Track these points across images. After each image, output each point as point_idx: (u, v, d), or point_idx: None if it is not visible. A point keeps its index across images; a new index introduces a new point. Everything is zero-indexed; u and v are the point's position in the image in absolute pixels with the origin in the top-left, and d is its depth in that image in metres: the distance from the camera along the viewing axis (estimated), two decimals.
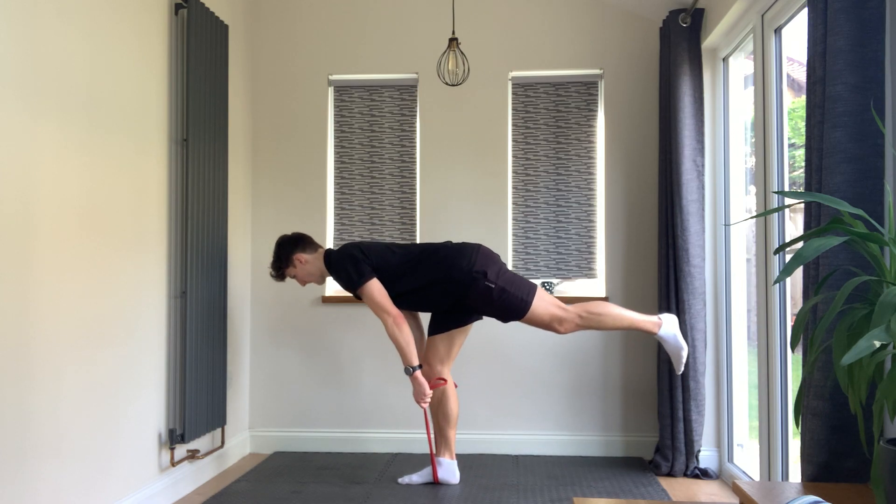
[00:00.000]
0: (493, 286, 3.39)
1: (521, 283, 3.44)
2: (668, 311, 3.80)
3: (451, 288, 3.43)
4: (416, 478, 3.64)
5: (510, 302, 3.39)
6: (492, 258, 3.48)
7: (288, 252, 3.62)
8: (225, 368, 3.80)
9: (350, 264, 3.45)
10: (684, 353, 3.42)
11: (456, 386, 3.69)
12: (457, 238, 4.28)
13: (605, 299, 4.24)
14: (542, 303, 3.42)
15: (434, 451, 3.66)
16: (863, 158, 2.13)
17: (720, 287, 3.84)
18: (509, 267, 4.32)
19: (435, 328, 3.60)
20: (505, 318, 3.47)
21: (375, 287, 3.43)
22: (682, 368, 3.48)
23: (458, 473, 3.64)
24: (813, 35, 2.34)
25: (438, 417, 3.61)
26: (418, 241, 4.35)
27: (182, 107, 3.46)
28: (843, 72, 2.16)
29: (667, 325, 3.43)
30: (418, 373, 3.43)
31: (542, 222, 4.35)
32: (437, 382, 3.55)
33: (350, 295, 4.37)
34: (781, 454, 3.00)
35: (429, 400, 3.47)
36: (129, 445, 3.08)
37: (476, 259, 3.44)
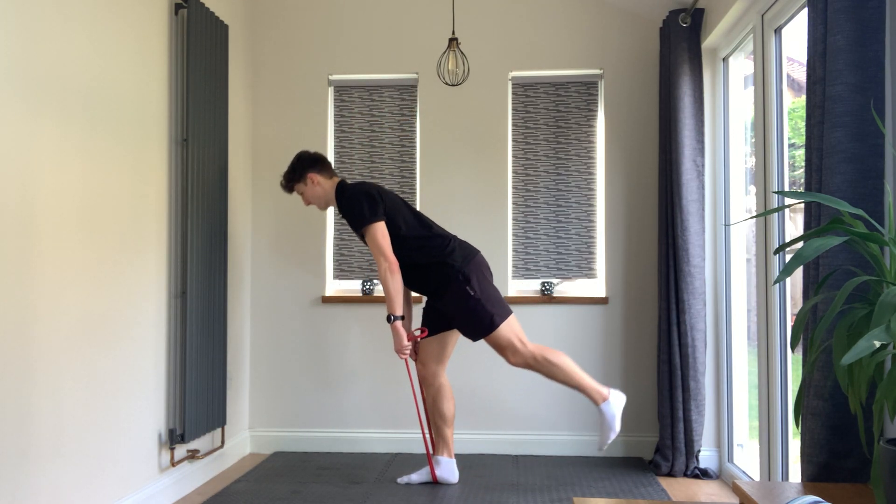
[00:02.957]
0: (472, 293, 3.41)
1: (497, 302, 3.45)
2: (668, 311, 3.81)
3: (436, 275, 3.45)
4: (415, 477, 3.64)
5: (479, 315, 3.41)
6: (482, 269, 3.50)
7: (304, 168, 3.60)
8: (225, 368, 3.80)
9: (366, 200, 3.45)
10: (613, 435, 3.44)
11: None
12: None
13: (605, 300, 4.24)
14: (508, 329, 3.43)
15: (431, 451, 3.67)
16: (863, 158, 2.13)
17: (720, 287, 3.84)
18: (509, 268, 4.32)
19: (428, 329, 3.61)
20: (470, 330, 3.47)
21: (381, 230, 3.43)
22: (605, 448, 3.51)
23: (456, 472, 3.64)
24: (813, 35, 2.34)
25: (435, 417, 3.61)
26: None
27: (182, 107, 3.46)
28: (843, 72, 2.16)
29: (613, 402, 3.44)
30: (398, 323, 3.42)
31: (542, 222, 4.35)
32: (414, 334, 3.54)
33: (350, 295, 4.38)
34: (781, 454, 3.00)
35: (407, 352, 3.46)
36: (129, 445, 3.08)
37: (470, 262, 3.46)
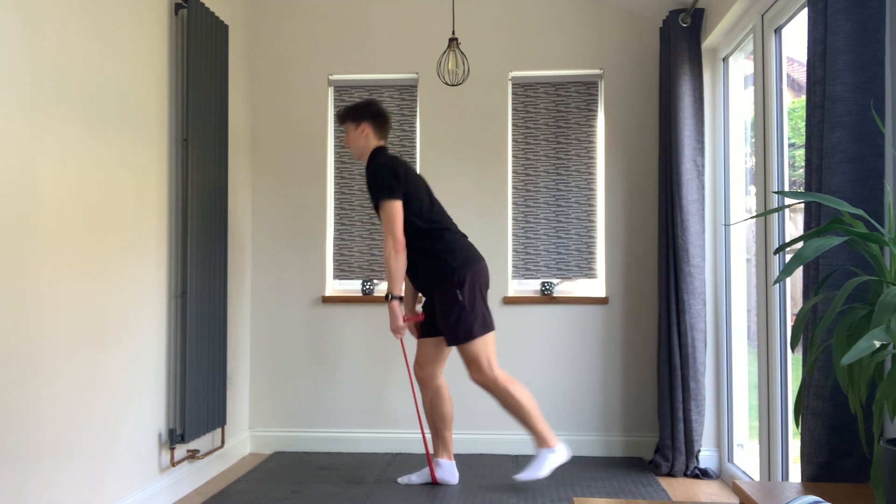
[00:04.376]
0: (460, 299, 3.42)
1: (481, 315, 3.46)
2: (668, 311, 3.81)
3: (431, 268, 3.46)
4: (415, 478, 3.64)
5: (462, 322, 3.42)
6: (480, 277, 3.50)
7: (364, 116, 3.62)
8: (225, 368, 3.80)
9: (390, 175, 3.46)
10: (534, 478, 3.48)
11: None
12: None
13: (605, 300, 4.24)
14: (483, 345, 3.45)
15: (430, 452, 3.66)
16: (863, 158, 2.13)
17: (720, 287, 3.84)
18: (509, 268, 4.32)
19: (425, 331, 3.61)
20: (448, 334, 3.47)
21: (397, 208, 3.44)
22: (519, 481, 3.53)
23: (456, 474, 3.64)
24: (813, 35, 2.34)
25: (434, 419, 3.61)
26: None
27: (182, 107, 3.46)
28: (843, 72, 2.16)
29: (557, 455, 3.48)
30: (395, 302, 3.44)
31: (542, 222, 4.35)
32: (413, 316, 3.56)
33: (350, 295, 4.38)
34: (781, 454, 3.00)
35: (403, 332, 3.48)
36: (129, 445, 3.08)
37: (469, 267, 3.46)
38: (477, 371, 3.46)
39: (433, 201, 3.60)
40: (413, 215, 3.49)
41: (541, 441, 3.50)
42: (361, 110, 3.62)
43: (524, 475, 3.49)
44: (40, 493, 2.53)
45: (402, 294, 3.49)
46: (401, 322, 3.46)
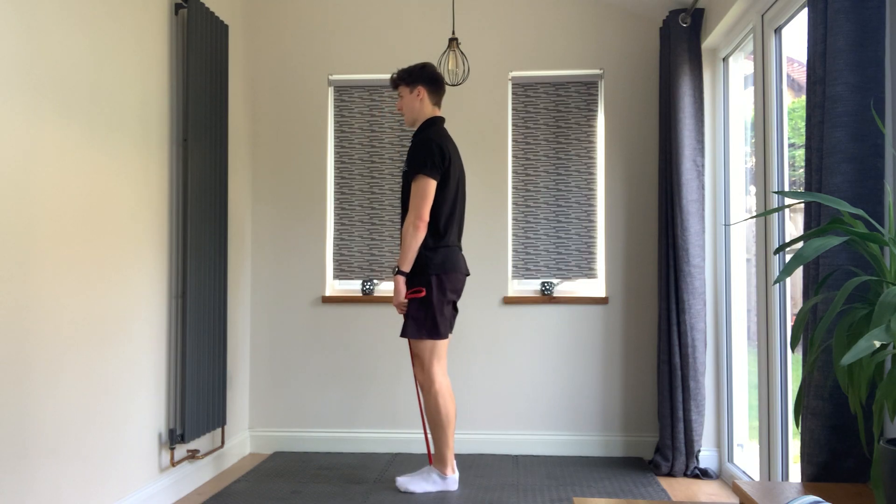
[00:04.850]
0: (425, 293, 3.42)
1: (433, 320, 3.44)
2: (668, 311, 3.81)
3: (418, 256, 3.45)
4: (413, 485, 3.58)
5: (420, 316, 3.43)
6: (452, 284, 3.48)
7: (419, 79, 3.56)
8: (225, 368, 3.80)
9: (437, 153, 3.42)
10: (409, 488, 3.49)
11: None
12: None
13: (605, 300, 4.24)
14: (431, 347, 3.46)
15: (431, 451, 3.65)
16: (863, 158, 2.13)
17: (720, 287, 3.84)
18: (509, 268, 4.32)
19: None
20: (406, 324, 3.48)
21: (431, 187, 3.41)
22: (399, 482, 3.53)
23: (457, 481, 3.59)
24: (813, 35, 2.34)
25: (434, 428, 3.56)
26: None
27: (182, 107, 3.46)
28: (843, 72, 2.16)
29: (447, 481, 3.50)
30: (400, 277, 3.43)
31: (542, 222, 4.35)
32: (414, 293, 3.49)
33: (350, 295, 4.38)
34: (781, 454, 3.00)
35: (404, 308, 3.47)
36: (129, 445, 3.08)
37: (446, 272, 3.45)
38: (420, 368, 3.50)
39: (455, 207, 3.54)
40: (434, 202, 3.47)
41: (440, 462, 3.50)
42: (416, 73, 3.57)
43: (403, 480, 3.52)
44: (40, 492, 2.53)
45: (408, 271, 3.47)
46: (403, 297, 3.45)
